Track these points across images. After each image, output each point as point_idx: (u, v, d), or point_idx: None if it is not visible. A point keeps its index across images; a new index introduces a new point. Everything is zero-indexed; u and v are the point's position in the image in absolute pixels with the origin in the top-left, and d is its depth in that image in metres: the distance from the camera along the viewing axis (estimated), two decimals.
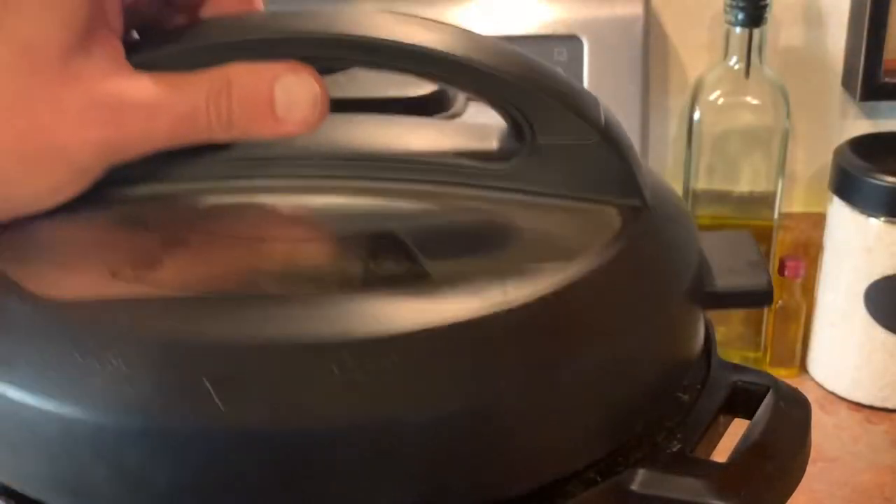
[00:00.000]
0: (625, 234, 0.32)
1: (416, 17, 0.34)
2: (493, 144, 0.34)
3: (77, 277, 0.32)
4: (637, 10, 0.79)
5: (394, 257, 0.31)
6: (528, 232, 0.33)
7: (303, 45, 0.33)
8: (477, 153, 0.34)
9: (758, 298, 0.35)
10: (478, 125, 0.36)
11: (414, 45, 0.32)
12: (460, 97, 0.39)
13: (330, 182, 0.34)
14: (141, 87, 0.32)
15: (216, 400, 0.27)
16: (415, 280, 0.30)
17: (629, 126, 0.89)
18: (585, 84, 0.79)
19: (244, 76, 0.33)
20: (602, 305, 0.30)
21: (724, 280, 0.34)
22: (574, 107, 0.33)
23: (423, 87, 0.38)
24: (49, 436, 0.28)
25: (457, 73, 0.32)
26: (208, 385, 0.27)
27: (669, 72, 0.89)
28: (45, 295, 0.30)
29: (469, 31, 0.34)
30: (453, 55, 0.32)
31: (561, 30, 0.79)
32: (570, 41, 0.79)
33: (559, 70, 0.35)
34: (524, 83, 0.32)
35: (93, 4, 0.32)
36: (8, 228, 0.33)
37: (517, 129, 0.33)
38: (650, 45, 0.81)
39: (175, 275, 0.32)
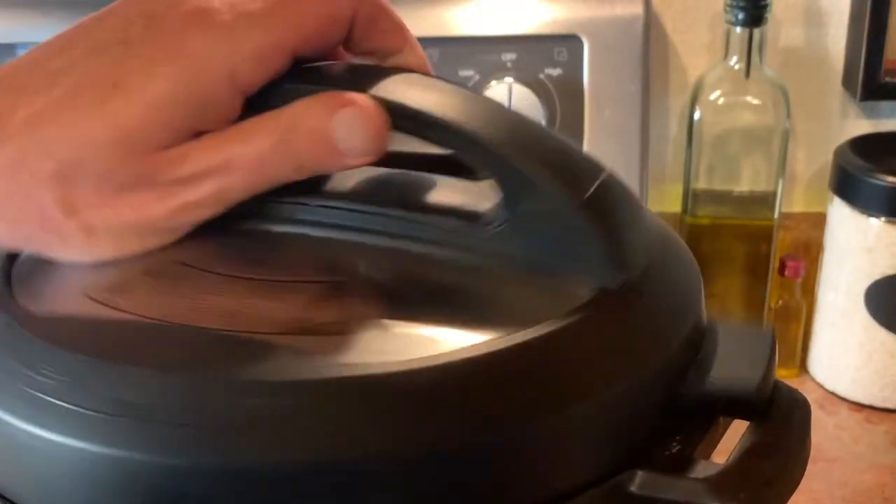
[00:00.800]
0: (582, 311, 0.30)
1: (409, 73, 0.34)
2: (485, 207, 0.34)
3: (87, 322, 0.32)
4: (637, 10, 0.79)
5: (339, 306, 0.32)
6: (484, 297, 0.32)
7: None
8: (467, 214, 0.34)
9: (743, 409, 0.32)
10: (481, 187, 0.36)
11: (395, 100, 0.32)
12: None
13: (315, 230, 0.35)
14: (210, 149, 0.33)
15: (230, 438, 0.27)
16: (352, 329, 0.31)
17: (629, 126, 0.89)
18: (585, 84, 0.79)
19: (304, 115, 0.33)
20: (528, 378, 0.29)
21: (713, 383, 0.32)
22: (555, 174, 0.32)
23: None
24: (85, 475, 0.28)
25: (437, 133, 0.32)
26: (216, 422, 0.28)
27: (669, 72, 0.89)
28: (62, 337, 0.31)
29: (464, 91, 0.34)
30: (435, 115, 0.32)
31: (561, 30, 0.79)
32: (570, 41, 0.79)
33: (557, 134, 0.35)
34: (504, 147, 0.32)
35: (200, 116, 0.32)
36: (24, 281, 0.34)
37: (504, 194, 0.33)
38: (650, 45, 0.81)
39: (154, 306, 0.32)
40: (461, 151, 0.33)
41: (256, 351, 0.30)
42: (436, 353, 0.29)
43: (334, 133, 0.33)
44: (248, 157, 0.33)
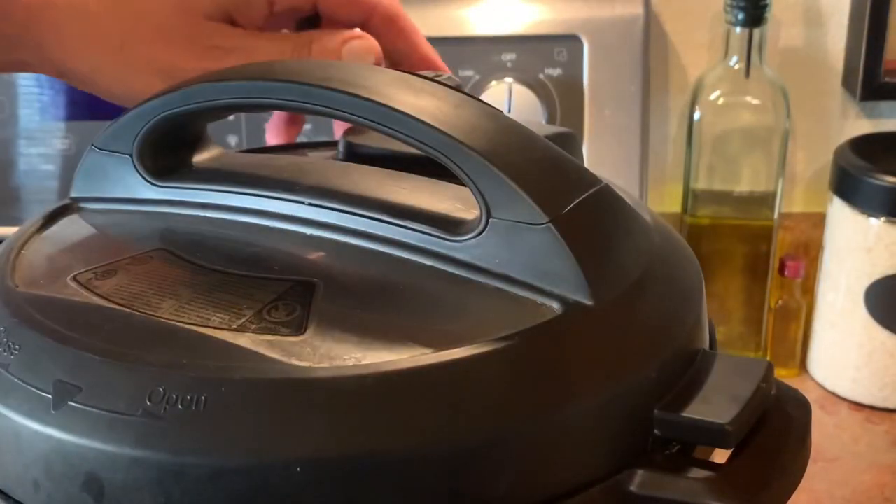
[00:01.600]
0: (531, 331, 0.30)
1: (405, 74, 0.34)
2: (466, 215, 0.33)
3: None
4: (637, 10, 0.79)
5: (290, 309, 0.31)
6: (445, 307, 0.32)
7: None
8: (446, 221, 0.33)
9: (714, 441, 0.31)
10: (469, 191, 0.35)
11: (374, 100, 0.32)
12: None
13: (290, 225, 0.35)
14: (243, 35, 0.44)
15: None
16: (287, 333, 0.31)
17: (629, 126, 0.89)
18: (585, 84, 0.79)
19: (323, 37, 0.44)
20: (465, 393, 0.29)
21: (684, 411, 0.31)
22: (532, 187, 0.31)
23: None
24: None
25: (415, 137, 0.32)
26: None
27: (669, 72, 0.89)
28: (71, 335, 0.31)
29: (456, 95, 0.33)
30: (414, 118, 0.32)
31: (561, 30, 0.79)
32: (570, 41, 0.79)
33: (550, 145, 0.33)
34: (483, 156, 0.31)
35: (240, 7, 0.44)
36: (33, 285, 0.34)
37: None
38: (650, 45, 0.81)
39: (126, 293, 0.33)
40: (440, 158, 0.32)
41: (196, 345, 0.30)
42: (389, 359, 0.29)
43: (342, 54, 0.44)
44: (269, 51, 0.43)
